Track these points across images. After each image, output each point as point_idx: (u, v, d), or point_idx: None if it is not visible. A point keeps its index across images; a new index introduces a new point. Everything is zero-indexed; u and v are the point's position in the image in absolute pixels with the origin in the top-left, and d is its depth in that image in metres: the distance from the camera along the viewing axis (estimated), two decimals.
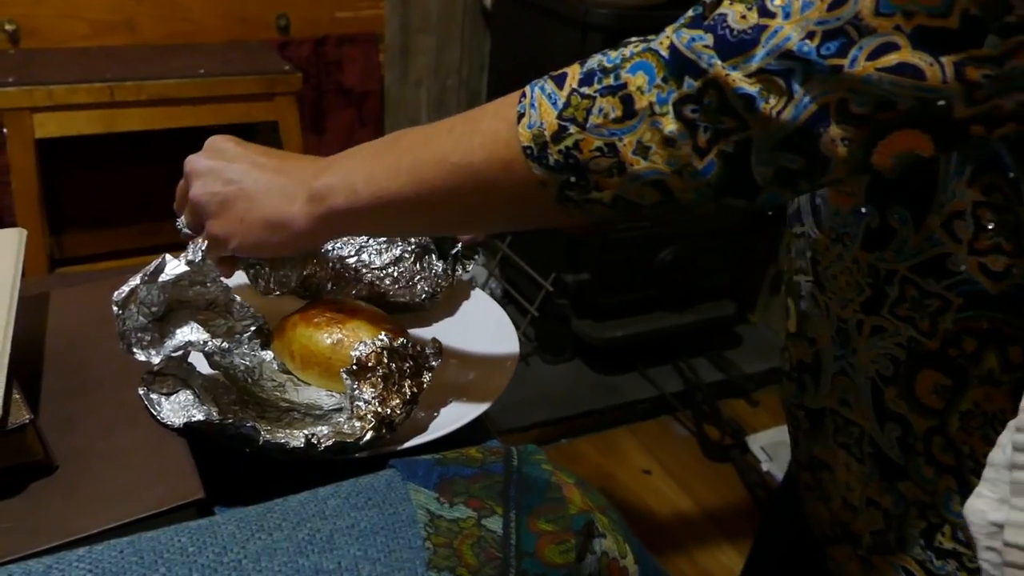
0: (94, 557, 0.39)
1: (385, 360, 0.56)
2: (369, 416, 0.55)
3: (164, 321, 0.57)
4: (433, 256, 0.70)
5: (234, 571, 0.40)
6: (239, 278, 0.72)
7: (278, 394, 0.62)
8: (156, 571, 0.39)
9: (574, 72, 0.47)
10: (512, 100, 0.50)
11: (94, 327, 0.63)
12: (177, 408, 0.54)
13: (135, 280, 0.55)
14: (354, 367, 0.55)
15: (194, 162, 0.62)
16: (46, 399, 0.55)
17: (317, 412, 0.61)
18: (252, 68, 1.65)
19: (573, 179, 0.47)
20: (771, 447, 1.78)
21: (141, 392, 0.55)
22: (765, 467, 1.74)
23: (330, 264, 0.69)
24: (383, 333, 0.57)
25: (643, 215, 0.48)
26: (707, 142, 0.43)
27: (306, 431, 0.54)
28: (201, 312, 0.60)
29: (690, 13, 0.44)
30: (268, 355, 0.64)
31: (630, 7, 1.69)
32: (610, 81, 0.45)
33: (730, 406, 1.98)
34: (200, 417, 0.52)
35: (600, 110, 0.45)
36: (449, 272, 0.72)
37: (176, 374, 0.56)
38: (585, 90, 0.46)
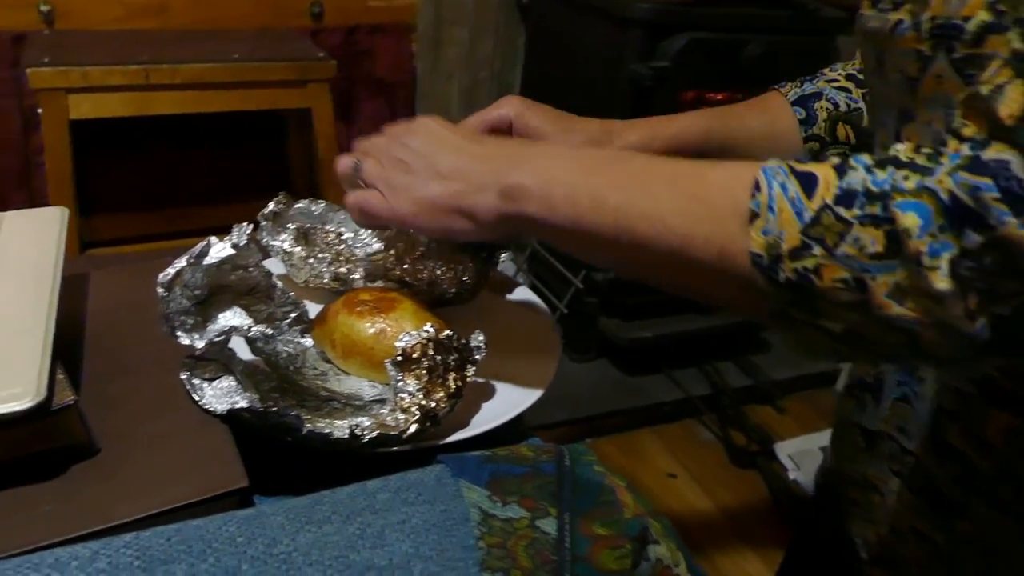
0: (141, 544, 0.38)
1: (431, 352, 0.54)
2: (413, 408, 0.53)
3: (206, 305, 0.56)
4: (460, 251, 0.68)
5: (284, 563, 0.38)
6: (277, 266, 0.71)
7: (319, 383, 0.61)
8: (205, 560, 0.37)
9: (828, 181, 0.41)
10: (744, 180, 0.43)
11: (134, 309, 0.62)
12: (220, 394, 0.53)
13: (180, 262, 0.54)
14: (399, 358, 0.54)
15: (408, 138, 0.58)
16: (87, 381, 0.54)
17: (357, 403, 0.59)
18: (286, 54, 1.64)
19: (801, 301, 0.41)
20: (798, 455, 1.76)
21: (183, 377, 0.53)
22: (792, 475, 1.71)
23: (361, 262, 0.68)
24: (429, 324, 0.56)
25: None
26: (979, 304, 0.38)
27: (349, 421, 0.53)
28: (243, 297, 0.59)
29: (966, 150, 0.38)
30: (310, 343, 0.63)
31: (671, 2, 1.67)
32: (875, 210, 0.39)
33: (756, 412, 1.96)
34: (243, 404, 0.51)
35: (856, 240, 0.39)
36: (481, 267, 0.70)
37: (218, 359, 0.55)
38: (842, 212, 0.39)
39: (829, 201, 0.40)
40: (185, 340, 0.54)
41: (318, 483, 0.45)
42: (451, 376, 0.55)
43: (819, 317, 0.42)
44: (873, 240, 0.38)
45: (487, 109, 0.68)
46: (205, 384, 0.53)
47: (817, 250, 0.40)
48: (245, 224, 0.57)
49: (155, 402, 0.53)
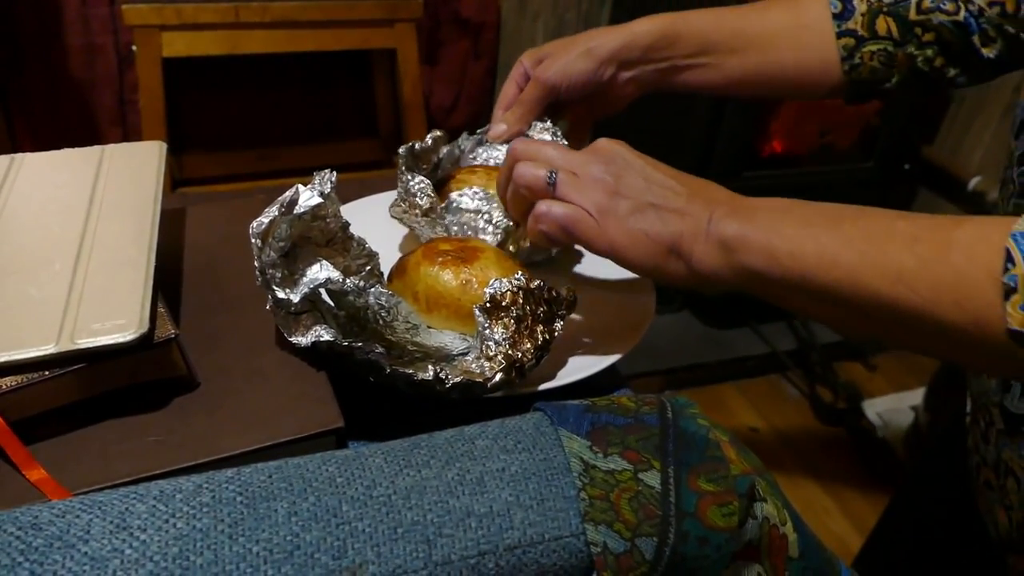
0: (243, 480, 0.38)
1: (520, 301, 0.53)
2: (499, 357, 0.52)
3: (289, 258, 0.54)
4: None
5: (383, 506, 0.38)
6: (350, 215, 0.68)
7: (408, 336, 0.59)
8: (305, 499, 0.37)
9: None
10: (995, 244, 0.40)
11: (230, 245, 0.62)
12: (305, 327, 0.52)
13: (272, 211, 0.52)
14: (487, 304, 0.52)
15: (607, 163, 0.54)
16: (186, 315, 0.54)
17: (443, 355, 0.58)
18: None
19: None
20: (888, 414, 1.70)
21: (269, 307, 0.53)
22: (881, 434, 1.66)
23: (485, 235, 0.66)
24: (519, 272, 0.54)
25: None
26: None
27: (434, 366, 0.51)
28: (322, 248, 0.57)
29: None
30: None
31: None
32: None
33: (845, 369, 1.90)
34: (327, 338, 0.50)
35: None
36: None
37: (307, 296, 0.54)
38: None
39: None
40: (280, 294, 0.52)
41: (412, 428, 0.45)
42: (539, 328, 0.53)
43: None
44: None
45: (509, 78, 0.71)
46: (291, 317, 0.53)
47: None
48: (328, 171, 0.55)
49: (253, 339, 0.53)
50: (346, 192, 0.73)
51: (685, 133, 1.79)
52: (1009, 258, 0.39)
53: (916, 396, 1.69)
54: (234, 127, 1.94)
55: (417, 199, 0.66)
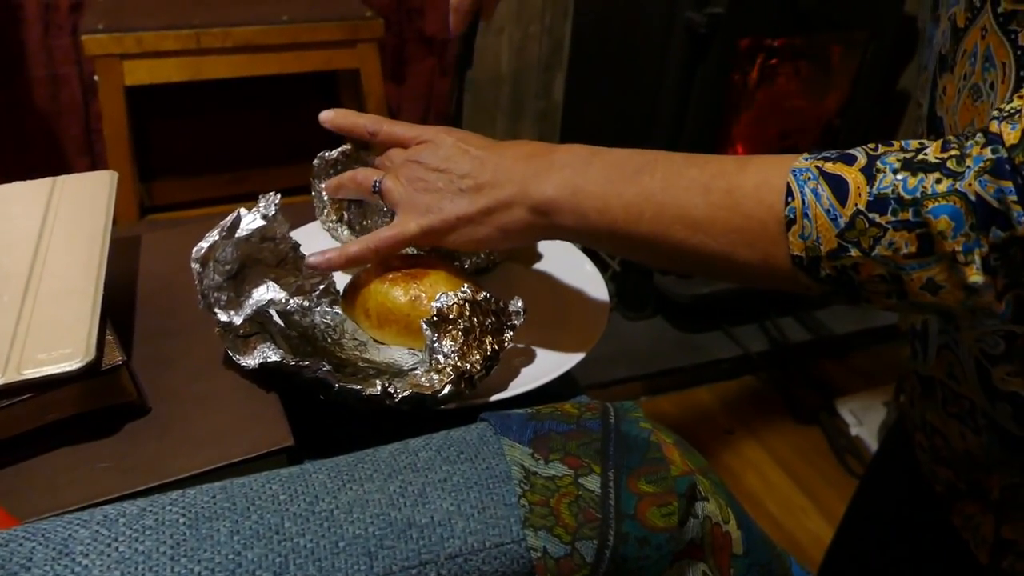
0: (187, 501, 0.38)
1: (467, 313, 0.54)
2: (448, 370, 0.53)
3: (237, 280, 0.55)
4: None
5: (326, 521, 0.38)
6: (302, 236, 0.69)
7: (358, 353, 0.60)
8: (248, 518, 0.38)
9: (858, 186, 0.43)
10: (776, 186, 0.45)
11: (184, 271, 0.62)
12: (252, 349, 0.53)
13: (213, 236, 0.52)
14: (435, 318, 0.53)
15: (423, 154, 0.59)
16: (139, 341, 0.55)
17: (395, 370, 0.59)
18: (334, 14, 1.63)
19: (843, 291, 0.45)
20: (861, 411, 1.72)
21: (217, 331, 0.53)
22: (854, 431, 1.68)
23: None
24: (465, 285, 0.55)
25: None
26: (1005, 287, 0.41)
27: (382, 381, 0.52)
28: (272, 270, 0.58)
29: (990, 155, 0.40)
30: None
31: None
32: (907, 216, 0.41)
33: (818, 367, 1.92)
34: (275, 358, 0.51)
35: (891, 243, 0.42)
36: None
37: (254, 318, 0.55)
38: (875, 217, 0.42)
39: (862, 207, 0.42)
40: (223, 317, 0.52)
41: (367, 445, 0.45)
42: (488, 339, 0.54)
43: (861, 300, 0.46)
44: (907, 242, 0.41)
45: None
46: (239, 340, 0.53)
47: (854, 252, 0.43)
48: (272, 193, 0.56)
49: (204, 362, 0.54)
50: (314, 212, 0.75)
51: (647, 140, 1.82)
52: (789, 192, 0.45)
53: (889, 392, 1.71)
54: (204, 152, 1.94)
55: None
